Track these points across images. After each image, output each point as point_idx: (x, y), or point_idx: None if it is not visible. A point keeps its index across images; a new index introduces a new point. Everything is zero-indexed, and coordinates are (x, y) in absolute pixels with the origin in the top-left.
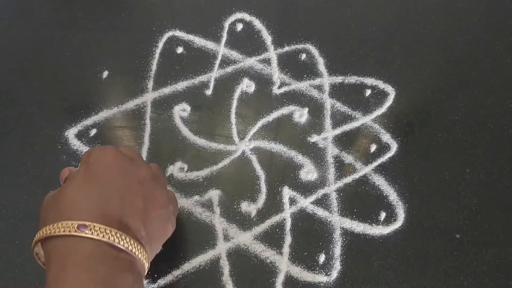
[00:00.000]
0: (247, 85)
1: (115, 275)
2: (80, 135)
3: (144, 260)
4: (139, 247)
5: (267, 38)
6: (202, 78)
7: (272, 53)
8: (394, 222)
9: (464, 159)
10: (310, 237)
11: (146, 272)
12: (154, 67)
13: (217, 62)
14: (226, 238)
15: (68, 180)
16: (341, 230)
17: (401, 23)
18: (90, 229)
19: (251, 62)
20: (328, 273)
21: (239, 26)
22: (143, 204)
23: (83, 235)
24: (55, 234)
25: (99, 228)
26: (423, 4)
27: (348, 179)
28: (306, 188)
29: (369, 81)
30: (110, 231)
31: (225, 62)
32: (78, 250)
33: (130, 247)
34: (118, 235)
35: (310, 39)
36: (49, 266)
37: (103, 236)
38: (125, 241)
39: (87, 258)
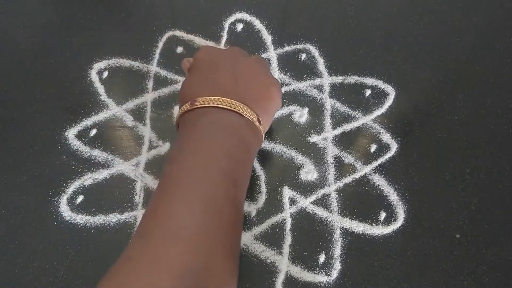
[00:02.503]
0: None
1: (221, 119)
2: (80, 135)
3: (251, 115)
4: (242, 105)
5: (267, 38)
6: None
7: (272, 53)
8: (394, 222)
9: (464, 159)
10: (310, 237)
11: (263, 135)
12: (154, 67)
13: None
14: None
15: (189, 71)
16: (341, 230)
17: (401, 23)
18: (198, 102)
19: None
20: (328, 273)
21: (239, 26)
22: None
23: (193, 107)
24: (180, 113)
25: (206, 99)
26: (423, 4)
27: (348, 179)
28: (306, 188)
29: (369, 81)
30: (215, 98)
31: None
32: (188, 116)
33: (232, 105)
34: (222, 99)
35: (310, 39)
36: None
37: (209, 103)
38: (227, 102)
39: (196, 117)
